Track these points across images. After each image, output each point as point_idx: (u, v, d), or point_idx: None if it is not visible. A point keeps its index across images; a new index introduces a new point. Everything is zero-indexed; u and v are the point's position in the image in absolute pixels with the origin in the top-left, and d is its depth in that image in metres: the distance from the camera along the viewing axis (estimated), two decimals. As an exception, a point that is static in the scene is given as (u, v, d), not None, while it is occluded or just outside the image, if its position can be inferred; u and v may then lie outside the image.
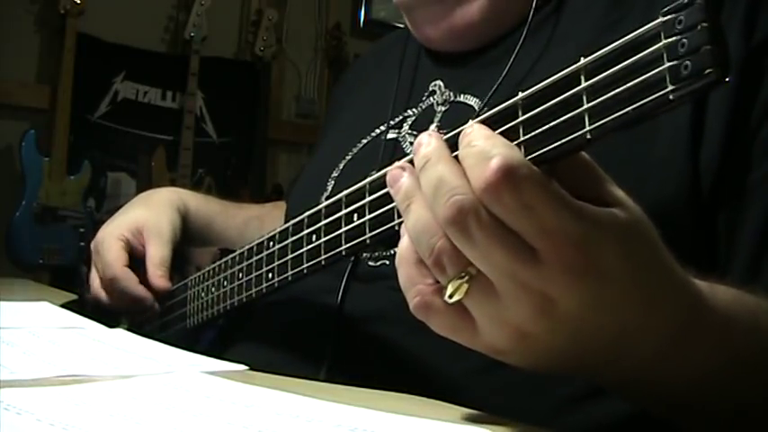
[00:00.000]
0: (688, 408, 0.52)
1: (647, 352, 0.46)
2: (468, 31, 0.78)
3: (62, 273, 2.51)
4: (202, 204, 1.02)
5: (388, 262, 0.71)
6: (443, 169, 0.42)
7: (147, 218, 0.94)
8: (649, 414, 0.58)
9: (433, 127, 0.75)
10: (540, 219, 0.39)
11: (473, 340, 0.45)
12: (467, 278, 0.42)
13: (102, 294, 0.93)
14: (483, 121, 0.44)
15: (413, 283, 0.45)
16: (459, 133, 0.44)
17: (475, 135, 0.42)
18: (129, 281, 0.90)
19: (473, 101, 0.74)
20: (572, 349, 0.45)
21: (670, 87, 0.36)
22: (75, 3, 2.57)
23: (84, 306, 0.95)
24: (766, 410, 0.54)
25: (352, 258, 0.71)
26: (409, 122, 0.79)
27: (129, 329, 0.84)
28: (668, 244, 0.45)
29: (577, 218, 0.40)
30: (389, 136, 0.80)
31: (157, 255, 0.90)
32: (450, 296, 0.43)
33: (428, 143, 0.44)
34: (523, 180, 0.39)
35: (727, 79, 0.35)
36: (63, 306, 0.84)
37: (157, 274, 0.89)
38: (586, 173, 0.43)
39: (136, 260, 0.92)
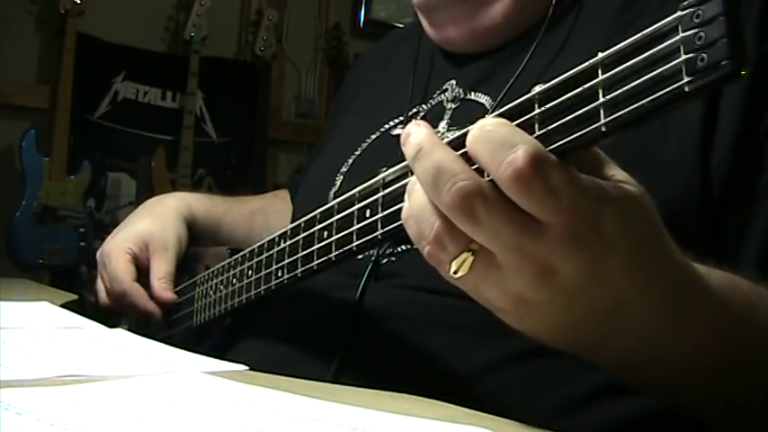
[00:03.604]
0: (681, 390, 0.53)
1: (642, 329, 0.47)
2: (490, 32, 0.78)
3: (62, 273, 2.51)
4: (209, 208, 1.02)
5: (394, 259, 0.71)
6: (440, 156, 0.42)
7: (153, 231, 0.94)
8: (650, 415, 0.58)
9: (443, 124, 0.76)
10: (560, 202, 0.40)
11: (475, 293, 0.46)
12: (470, 253, 0.43)
13: (108, 304, 0.94)
14: (500, 116, 0.44)
15: (422, 236, 0.45)
16: (467, 132, 0.44)
17: (491, 122, 0.42)
18: (139, 296, 0.91)
19: (483, 98, 0.74)
20: (569, 320, 0.45)
21: (686, 79, 0.36)
22: (75, 3, 2.57)
23: (85, 306, 0.95)
24: (760, 393, 0.54)
25: (372, 259, 0.72)
26: (418, 118, 0.79)
27: (129, 329, 0.84)
28: (677, 244, 0.46)
29: (586, 192, 0.40)
30: (398, 131, 0.80)
31: (162, 269, 0.91)
32: (455, 272, 0.44)
33: (417, 132, 0.44)
34: (550, 167, 0.39)
35: (743, 73, 0.35)
36: (63, 306, 0.84)
37: (162, 286, 0.90)
38: (590, 157, 0.43)
39: (141, 273, 0.93)
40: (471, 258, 0.43)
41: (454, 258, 0.44)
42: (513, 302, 0.44)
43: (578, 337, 0.47)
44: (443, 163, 0.42)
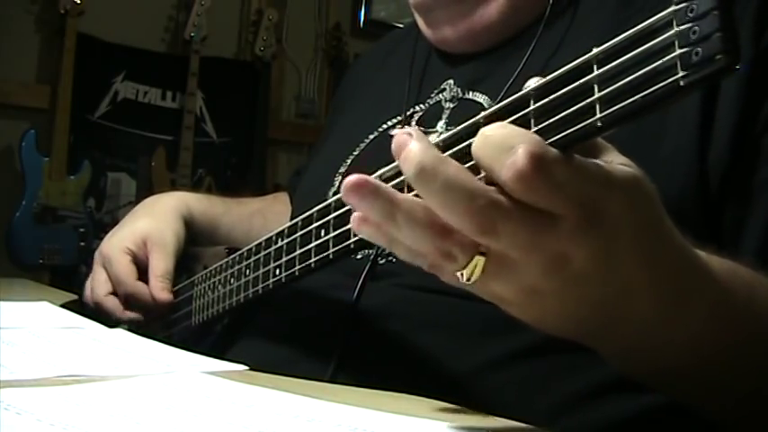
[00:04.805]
0: (684, 380, 0.53)
1: (646, 313, 0.46)
2: (486, 32, 0.78)
3: (62, 273, 2.51)
4: (207, 207, 1.02)
5: (394, 259, 0.71)
6: (447, 173, 0.40)
7: (151, 229, 0.94)
8: (650, 412, 0.58)
9: (441, 123, 0.76)
10: (567, 194, 0.40)
11: (482, 289, 0.44)
12: (481, 256, 0.42)
13: (101, 304, 0.94)
14: (495, 112, 0.44)
15: (420, 255, 0.44)
16: (464, 129, 0.44)
17: (489, 127, 0.41)
18: (145, 295, 0.90)
19: (481, 98, 0.75)
20: (575, 307, 0.45)
21: (681, 74, 0.36)
22: (75, 3, 2.57)
23: (84, 306, 0.95)
24: (763, 384, 0.54)
25: (371, 258, 0.72)
26: (416, 118, 0.79)
27: (129, 330, 0.84)
28: None
29: (592, 177, 0.40)
30: (396, 132, 0.80)
31: (160, 267, 0.91)
32: (468, 279, 0.42)
33: (413, 146, 0.41)
34: (552, 162, 0.39)
35: (737, 67, 0.35)
36: (63, 306, 0.84)
37: (159, 286, 0.90)
38: (588, 144, 0.43)
39: (141, 271, 0.93)
40: (483, 261, 0.42)
41: (464, 267, 0.42)
42: (521, 294, 0.44)
43: (582, 324, 0.47)
44: (453, 182, 0.40)
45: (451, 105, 0.77)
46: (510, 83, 0.71)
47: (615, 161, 0.43)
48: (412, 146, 0.41)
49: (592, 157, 0.42)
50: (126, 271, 0.91)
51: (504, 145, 0.40)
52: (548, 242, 0.41)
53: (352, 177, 0.42)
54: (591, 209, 0.40)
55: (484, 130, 0.41)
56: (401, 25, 0.94)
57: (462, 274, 0.42)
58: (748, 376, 0.53)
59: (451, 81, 0.79)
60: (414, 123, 0.79)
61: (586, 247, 0.41)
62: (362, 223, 0.44)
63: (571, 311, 0.45)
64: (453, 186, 0.40)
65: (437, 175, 0.40)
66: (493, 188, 0.41)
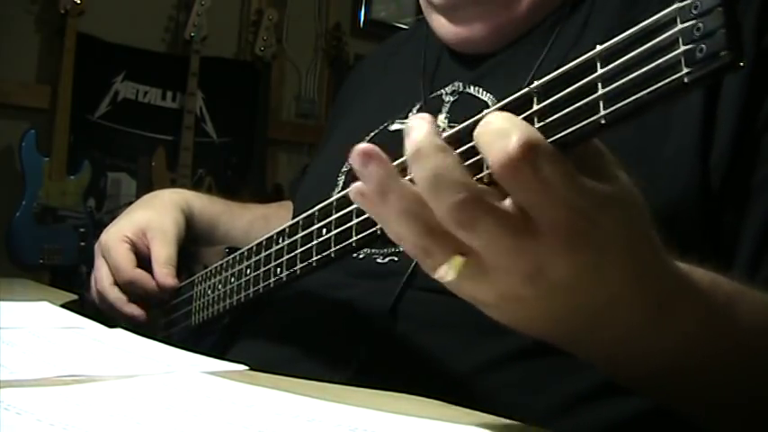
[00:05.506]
0: (666, 388, 0.53)
1: (630, 322, 0.47)
2: (512, 26, 0.77)
3: (62, 273, 2.51)
4: (207, 205, 1.01)
5: (396, 258, 0.71)
6: (439, 162, 0.41)
7: (150, 219, 0.93)
8: (649, 414, 0.58)
9: (441, 117, 0.75)
10: (553, 195, 0.40)
11: (458, 289, 0.45)
12: (460, 256, 0.42)
13: (104, 295, 0.93)
14: (498, 109, 0.44)
15: (403, 239, 0.45)
16: (469, 125, 0.44)
17: (493, 114, 0.41)
18: (146, 281, 0.90)
19: (485, 96, 0.74)
20: (556, 314, 0.45)
21: (685, 70, 0.36)
22: (75, 3, 2.57)
23: (85, 306, 0.95)
24: (742, 387, 0.54)
25: (412, 267, 0.70)
26: (414, 112, 0.79)
27: (129, 329, 0.84)
28: (676, 242, 0.46)
29: (585, 192, 0.40)
30: (395, 127, 0.80)
31: (163, 254, 0.90)
32: (442, 277, 0.43)
33: (419, 128, 0.43)
34: (543, 156, 0.39)
35: (741, 64, 0.35)
36: (63, 306, 0.84)
37: (164, 272, 0.89)
38: (593, 153, 0.43)
39: (142, 261, 0.92)
40: (461, 262, 0.42)
41: (440, 263, 0.43)
42: (500, 299, 0.44)
43: (565, 329, 0.47)
44: (444, 169, 0.41)
45: (452, 99, 0.77)
46: (531, 75, 0.70)
47: (613, 172, 0.43)
48: (417, 128, 0.42)
49: (592, 164, 0.42)
50: (125, 258, 0.90)
51: (502, 132, 0.40)
52: (525, 249, 0.41)
53: (365, 145, 0.43)
54: (581, 222, 0.40)
55: (487, 117, 0.41)
56: (401, 25, 0.94)
57: (437, 272, 0.43)
58: (729, 386, 0.53)
59: (459, 84, 0.78)
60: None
61: (569, 260, 0.42)
62: (359, 195, 0.45)
63: (550, 317, 0.45)
64: (443, 174, 0.41)
65: (431, 160, 0.41)
66: (484, 187, 0.41)
